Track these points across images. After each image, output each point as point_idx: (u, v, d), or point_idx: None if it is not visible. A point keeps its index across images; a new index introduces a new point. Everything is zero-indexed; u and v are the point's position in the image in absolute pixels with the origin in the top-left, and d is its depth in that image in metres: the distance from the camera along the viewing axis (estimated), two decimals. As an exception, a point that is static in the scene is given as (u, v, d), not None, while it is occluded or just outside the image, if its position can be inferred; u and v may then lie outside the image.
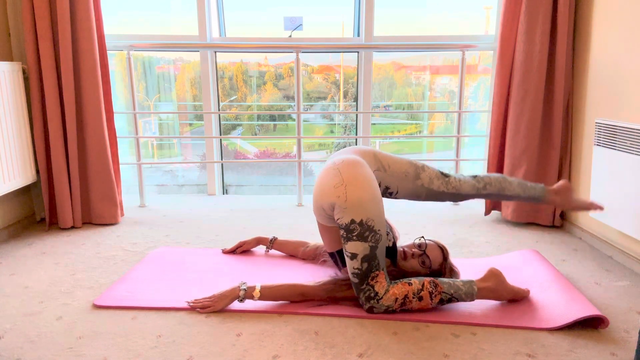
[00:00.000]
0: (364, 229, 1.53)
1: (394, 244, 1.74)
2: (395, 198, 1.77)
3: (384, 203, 1.62)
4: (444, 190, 1.77)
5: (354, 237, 1.54)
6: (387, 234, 1.71)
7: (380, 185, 1.72)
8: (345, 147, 1.81)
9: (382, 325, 1.55)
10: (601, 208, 1.88)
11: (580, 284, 1.88)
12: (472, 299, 1.62)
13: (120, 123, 3.32)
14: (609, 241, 2.19)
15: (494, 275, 1.67)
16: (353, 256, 1.56)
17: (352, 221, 1.53)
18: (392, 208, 2.85)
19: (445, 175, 1.79)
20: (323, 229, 1.72)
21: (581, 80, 2.41)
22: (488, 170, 2.67)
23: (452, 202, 1.90)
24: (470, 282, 1.64)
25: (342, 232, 1.57)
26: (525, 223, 2.61)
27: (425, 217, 2.73)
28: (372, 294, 1.58)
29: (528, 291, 1.70)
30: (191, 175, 4.89)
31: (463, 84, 2.85)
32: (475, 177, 1.82)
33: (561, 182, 1.90)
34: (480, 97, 3.87)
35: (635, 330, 1.53)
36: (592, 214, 2.18)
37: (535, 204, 1.90)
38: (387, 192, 1.74)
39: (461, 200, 1.84)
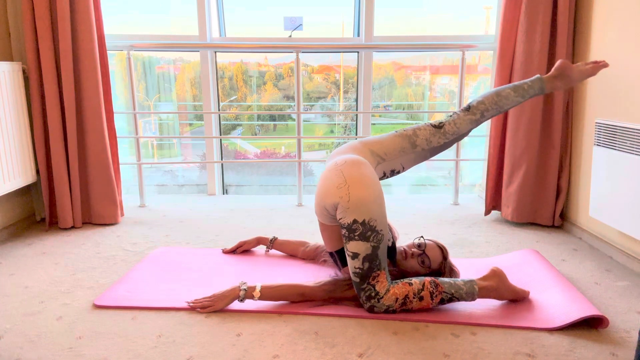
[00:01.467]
0: (366, 229, 1.53)
1: (394, 243, 1.74)
2: (404, 171, 1.79)
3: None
4: (445, 141, 1.77)
5: (356, 237, 1.54)
6: (387, 234, 1.71)
7: (384, 173, 1.75)
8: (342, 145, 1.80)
9: (382, 325, 1.55)
10: (605, 65, 1.80)
11: (580, 284, 1.88)
12: (474, 299, 1.62)
13: (120, 123, 3.32)
14: (609, 241, 2.18)
15: (496, 275, 1.67)
16: (354, 256, 1.56)
17: (355, 221, 1.53)
18: (392, 208, 2.85)
19: (439, 126, 1.76)
20: (324, 228, 1.72)
21: (581, 80, 2.41)
22: (488, 170, 2.67)
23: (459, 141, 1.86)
24: (471, 281, 1.63)
25: (344, 231, 1.57)
26: (525, 223, 2.61)
27: (425, 217, 2.73)
28: (373, 294, 1.58)
29: (528, 293, 1.70)
30: (191, 175, 4.89)
31: (463, 84, 2.85)
32: (469, 108, 1.78)
33: (557, 64, 1.83)
34: (480, 97, 3.87)
35: (635, 330, 1.53)
36: (592, 214, 2.18)
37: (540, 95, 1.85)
38: (395, 172, 1.77)
39: (466, 136, 1.84)
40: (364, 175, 1.57)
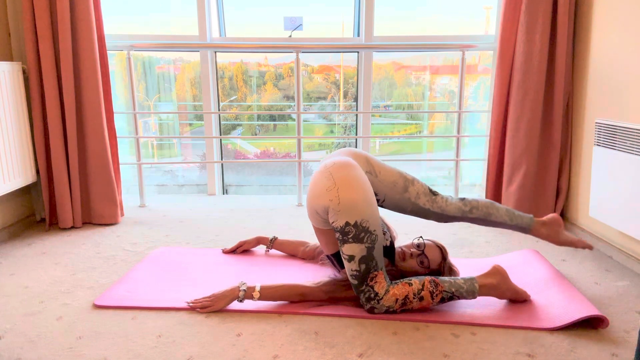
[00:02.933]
0: (359, 231, 1.53)
1: (392, 243, 1.74)
2: (381, 206, 1.75)
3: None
4: (429, 208, 1.76)
5: (350, 240, 1.54)
6: (384, 234, 1.70)
7: None
8: (343, 147, 1.80)
9: (382, 325, 1.55)
10: (590, 247, 1.86)
11: (580, 284, 1.88)
12: (474, 297, 1.62)
13: (120, 123, 3.32)
14: (609, 241, 2.18)
15: (498, 272, 1.67)
16: (350, 258, 1.56)
17: (347, 223, 1.53)
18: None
19: (434, 194, 1.77)
20: (319, 232, 1.72)
21: (581, 80, 2.41)
22: (488, 170, 2.67)
23: (436, 222, 1.87)
24: (472, 279, 1.63)
25: (337, 235, 1.56)
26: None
27: (425, 217, 2.73)
28: (372, 295, 1.58)
29: (529, 296, 1.70)
30: (191, 175, 4.89)
31: (463, 84, 2.85)
32: (463, 199, 1.80)
33: (551, 215, 1.88)
34: (480, 97, 3.87)
35: (635, 330, 1.53)
36: (592, 214, 2.18)
37: (522, 233, 1.88)
38: (376, 198, 1.73)
39: (445, 221, 1.81)
40: (352, 177, 1.56)
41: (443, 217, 1.78)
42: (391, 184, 1.73)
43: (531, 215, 1.86)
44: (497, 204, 1.83)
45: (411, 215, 1.79)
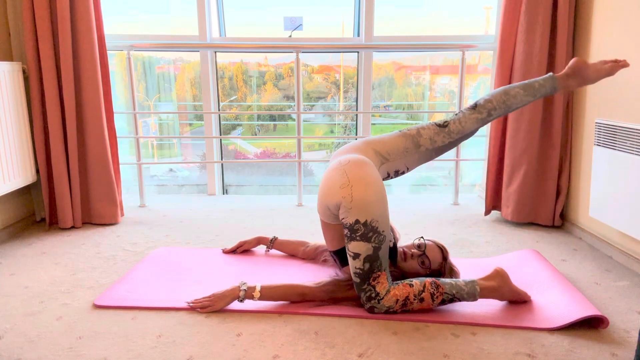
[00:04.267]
0: (368, 230, 1.53)
1: (394, 244, 1.74)
2: (409, 172, 1.76)
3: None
4: (450, 140, 1.72)
5: (358, 237, 1.54)
6: (388, 235, 1.70)
7: (388, 174, 1.73)
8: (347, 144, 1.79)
9: (382, 325, 1.55)
10: (626, 64, 1.72)
11: (580, 284, 1.88)
12: (475, 299, 1.62)
13: (120, 123, 3.32)
14: (609, 241, 2.18)
15: (499, 275, 1.66)
16: (355, 256, 1.56)
17: (357, 221, 1.53)
18: (392, 208, 2.83)
19: (444, 125, 1.72)
20: (326, 226, 1.72)
21: (581, 80, 2.41)
22: (488, 170, 2.66)
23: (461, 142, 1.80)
24: (473, 281, 1.63)
25: (346, 231, 1.57)
26: (525, 223, 2.61)
27: (425, 217, 2.73)
28: (373, 295, 1.58)
29: (529, 297, 1.70)
30: (191, 175, 4.89)
31: (463, 84, 2.85)
32: (475, 107, 1.72)
33: (571, 62, 1.76)
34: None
35: (635, 330, 1.53)
36: (592, 214, 2.18)
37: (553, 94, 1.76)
38: (400, 173, 1.75)
39: (472, 135, 1.76)
40: (367, 176, 1.57)
41: (469, 135, 1.75)
42: (404, 153, 1.71)
43: (551, 74, 1.75)
44: (510, 89, 1.72)
45: (440, 155, 1.76)
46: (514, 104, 1.73)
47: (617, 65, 1.74)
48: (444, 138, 1.72)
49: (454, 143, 1.75)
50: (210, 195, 3.23)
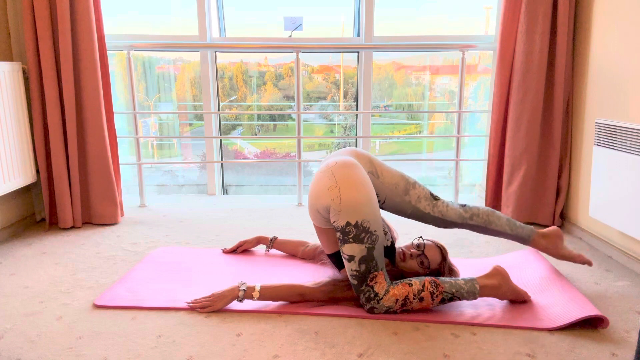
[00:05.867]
0: (360, 231, 1.53)
1: (392, 243, 1.74)
2: (381, 208, 1.75)
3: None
4: (429, 212, 1.75)
5: (350, 239, 1.54)
6: (385, 234, 1.70)
7: None
8: (344, 147, 1.80)
9: (382, 325, 1.55)
10: (590, 263, 1.83)
11: (580, 284, 1.88)
12: (475, 298, 1.62)
13: (120, 123, 3.32)
14: (609, 241, 2.18)
15: (499, 273, 1.66)
16: (350, 258, 1.56)
17: (348, 223, 1.53)
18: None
19: (435, 198, 1.77)
20: (319, 231, 1.72)
21: (581, 80, 2.41)
22: (488, 170, 2.67)
23: (435, 227, 1.87)
24: (472, 280, 1.63)
25: (338, 234, 1.56)
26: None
27: (425, 217, 2.73)
28: (372, 295, 1.58)
29: (529, 297, 1.70)
30: (191, 175, 4.89)
31: (463, 84, 2.85)
32: (463, 206, 1.80)
33: (552, 228, 1.87)
34: (480, 97, 3.87)
35: (635, 330, 1.53)
36: (592, 214, 2.18)
37: (522, 244, 1.88)
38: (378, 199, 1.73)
39: (445, 227, 1.80)
40: (355, 177, 1.56)
41: (443, 222, 1.78)
42: (393, 186, 1.72)
43: (532, 227, 1.85)
44: (498, 212, 1.82)
45: (411, 218, 1.79)
46: (493, 224, 1.79)
47: (583, 259, 1.83)
48: (427, 206, 1.75)
49: (429, 218, 1.77)
50: (210, 195, 3.23)
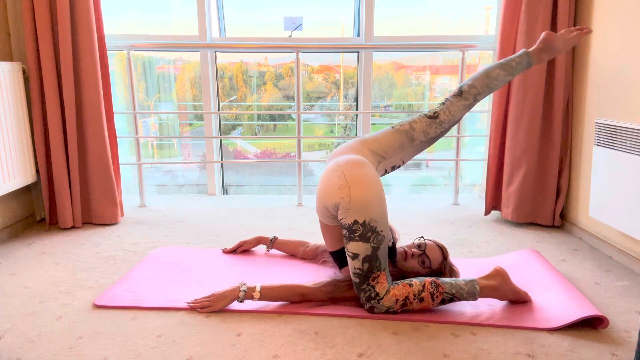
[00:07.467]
0: (367, 230, 1.53)
1: (394, 244, 1.74)
2: (404, 165, 1.81)
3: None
4: (442, 130, 1.78)
5: (356, 238, 1.54)
6: (388, 234, 1.71)
7: (385, 170, 1.76)
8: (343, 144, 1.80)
9: (382, 325, 1.55)
10: (589, 31, 1.81)
11: (580, 284, 1.88)
12: (475, 298, 1.62)
13: (120, 123, 3.32)
14: (609, 241, 2.18)
15: (499, 274, 1.66)
16: (354, 256, 1.56)
17: (355, 222, 1.53)
18: (392, 208, 2.83)
19: (434, 117, 1.76)
20: (325, 227, 1.72)
21: (581, 80, 2.41)
22: (488, 170, 2.66)
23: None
24: (473, 281, 1.63)
25: (344, 231, 1.57)
26: (525, 223, 2.61)
27: (425, 217, 2.73)
28: (373, 294, 1.58)
29: (530, 297, 1.70)
30: (191, 175, 4.89)
31: (463, 84, 2.85)
32: (461, 94, 1.77)
33: (542, 36, 1.84)
34: (480, 97, 3.87)
35: (635, 330, 1.53)
36: (592, 214, 2.18)
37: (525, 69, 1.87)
38: (396, 167, 1.78)
39: (460, 119, 1.83)
40: (365, 176, 1.57)
41: (456, 122, 1.80)
42: (399, 149, 1.75)
43: (525, 50, 1.83)
44: (491, 71, 1.78)
45: (434, 143, 1.83)
46: (496, 85, 1.79)
47: (581, 33, 1.83)
48: (436, 129, 1.76)
49: (445, 131, 1.81)
50: (210, 195, 3.23)
